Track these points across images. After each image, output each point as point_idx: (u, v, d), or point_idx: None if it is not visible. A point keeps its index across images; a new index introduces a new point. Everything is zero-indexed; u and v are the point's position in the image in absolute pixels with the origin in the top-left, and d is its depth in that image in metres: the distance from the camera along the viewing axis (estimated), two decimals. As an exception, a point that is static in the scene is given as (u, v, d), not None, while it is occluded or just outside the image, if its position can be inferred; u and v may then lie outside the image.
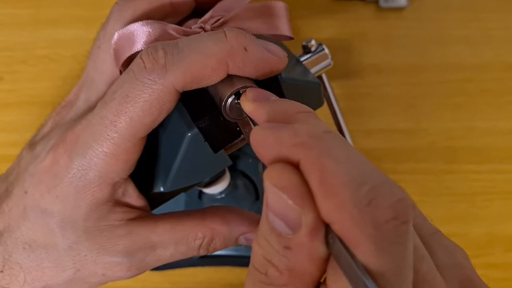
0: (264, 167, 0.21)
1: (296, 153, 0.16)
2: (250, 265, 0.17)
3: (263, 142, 0.17)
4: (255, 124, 0.20)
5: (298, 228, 0.15)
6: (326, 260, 0.16)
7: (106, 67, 0.26)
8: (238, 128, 0.24)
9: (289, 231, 0.15)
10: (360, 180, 0.15)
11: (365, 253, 0.14)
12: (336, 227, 0.15)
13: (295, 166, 0.16)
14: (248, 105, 0.20)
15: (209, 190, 0.36)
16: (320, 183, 0.15)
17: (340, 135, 0.17)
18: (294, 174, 0.15)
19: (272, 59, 0.22)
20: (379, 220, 0.14)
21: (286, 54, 0.23)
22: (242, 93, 0.22)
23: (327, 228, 0.15)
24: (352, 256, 0.14)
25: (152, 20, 0.24)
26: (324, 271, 0.16)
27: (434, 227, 0.19)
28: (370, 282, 0.14)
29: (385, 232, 0.14)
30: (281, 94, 0.24)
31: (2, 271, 0.24)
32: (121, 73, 0.25)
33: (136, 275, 0.25)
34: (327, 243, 0.15)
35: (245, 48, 0.21)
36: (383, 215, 0.14)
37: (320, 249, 0.15)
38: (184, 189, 0.25)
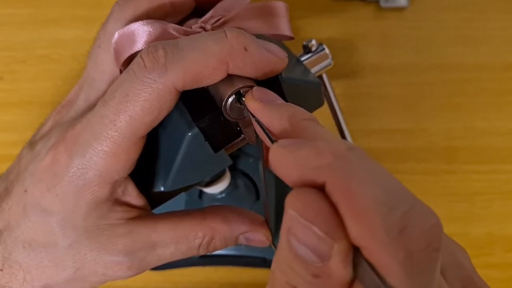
0: (265, 168, 0.21)
1: (320, 175, 0.15)
2: None
3: (283, 162, 0.16)
4: (258, 122, 0.20)
5: (328, 257, 0.14)
6: (352, 281, 0.15)
7: (106, 66, 0.26)
8: (238, 128, 0.24)
9: (317, 259, 0.15)
10: (390, 204, 0.14)
11: (395, 280, 0.14)
12: (366, 252, 0.14)
13: (320, 187, 0.15)
14: (253, 104, 0.20)
15: (209, 190, 0.36)
16: (349, 208, 0.14)
17: (362, 150, 0.16)
18: (321, 202, 0.15)
19: (273, 59, 0.22)
20: (411, 249, 0.14)
21: (286, 55, 0.23)
22: (243, 92, 0.22)
23: (354, 251, 0.15)
24: (383, 281, 0.14)
25: (152, 20, 0.24)
26: None
27: None
28: None
29: (417, 260, 0.14)
30: (281, 94, 0.24)
31: (1, 270, 0.24)
32: (121, 72, 0.25)
33: (136, 274, 0.25)
34: (354, 264, 0.15)
35: (245, 48, 0.21)
36: (416, 243, 0.14)
37: (349, 273, 0.15)
38: (185, 189, 0.25)
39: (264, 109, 0.20)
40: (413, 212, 0.14)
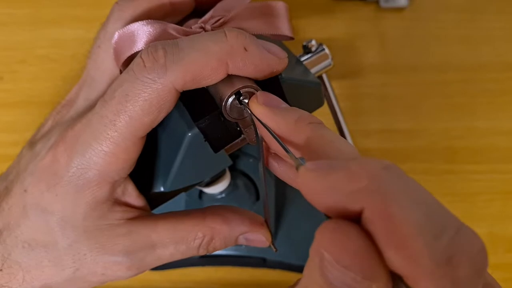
0: (265, 168, 0.20)
1: (357, 201, 0.14)
2: None
3: (315, 188, 0.15)
4: (265, 127, 0.20)
5: None
6: None
7: (106, 66, 0.26)
8: (238, 128, 0.24)
9: None
10: (435, 229, 0.14)
11: None
12: (410, 281, 0.14)
13: (356, 214, 0.14)
14: (258, 108, 0.20)
15: (209, 190, 0.36)
16: (390, 236, 0.13)
17: (398, 168, 0.15)
18: (358, 241, 0.14)
19: (272, 60, 0.22)
20: (459, 277, 0.13)
21: (286, 55, 0.23)
22: (243, 93, 0.22)
23: (394, 277, 0.14)
24: None
25: (152, 20, 0.24)
26: None
27: None
28: None
29: (463, 286, 0.13)
30: (281, 95, 0.24)
31: (1, 270, 0.24)
32: (121, 72, 0.25)
33: (136, 274, 0.25)
34: None
35: (245, 48, 0.21)
36: (464, 272, 0.13)
37: None
38: (185, 189, 0.25)
39: (270, 113, 0.20)
40: (459, 237, 0.14)
